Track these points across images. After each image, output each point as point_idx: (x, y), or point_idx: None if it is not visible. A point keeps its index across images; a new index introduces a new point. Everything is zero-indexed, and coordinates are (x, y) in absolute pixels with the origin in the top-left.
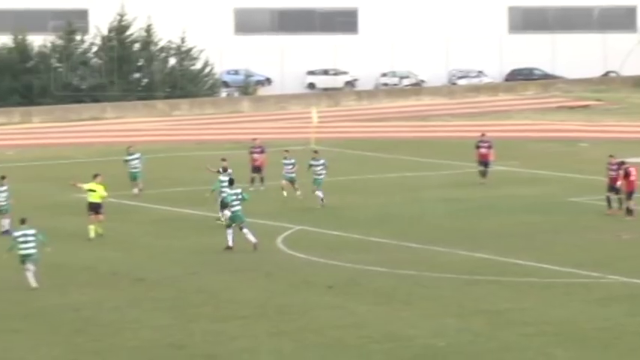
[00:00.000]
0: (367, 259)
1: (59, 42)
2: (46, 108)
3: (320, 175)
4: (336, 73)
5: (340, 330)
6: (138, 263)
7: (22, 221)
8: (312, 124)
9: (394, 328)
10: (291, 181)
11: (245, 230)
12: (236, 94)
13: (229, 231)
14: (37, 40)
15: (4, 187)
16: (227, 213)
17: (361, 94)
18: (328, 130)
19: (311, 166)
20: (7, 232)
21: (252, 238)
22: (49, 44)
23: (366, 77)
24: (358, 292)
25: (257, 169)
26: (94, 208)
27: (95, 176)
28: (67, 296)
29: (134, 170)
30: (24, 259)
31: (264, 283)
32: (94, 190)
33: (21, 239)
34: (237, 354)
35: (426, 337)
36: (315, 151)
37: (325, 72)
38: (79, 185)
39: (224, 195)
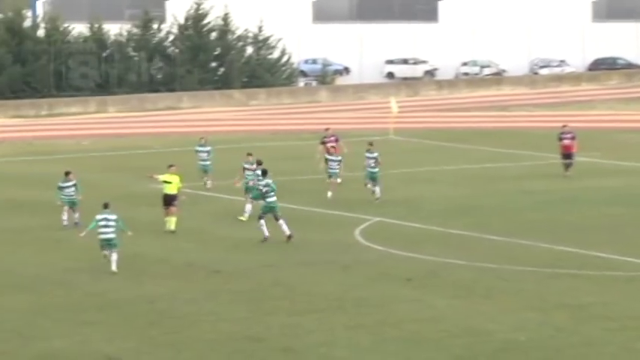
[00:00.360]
0: (446, 252)
1: (135, 31)
2: (121, 97)
3: (374, 168)
4: (416, 62)
5: (418, 324)
6: (214, 255)
7: (105, 206)
8: (391, 115)
9: (473, 322)
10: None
11: (281, 221)
12: (314, 84)
13: (262, 222)
14: (114, 29)
15: (71, 183)
16: (247, 207)
17: (441, 84)
18: (407, 121)
19: (365, 158)
20: (77, 225)
21: (286, 230)
22: (125, 33)
23: (446, 66)
24: (437, 285)
25: None
26: (170, 200)
27: (170, 167)
28: (142, 288)
29: (203, 163)
30: (103, 244)
31: (341, 276)
32: (169, 182)
33: (102, 223)
34: (314, 348)
35: (506, 332)
36: (371, 143)
37: (404, 61)
38: (155, 176)
39: (249, 183)
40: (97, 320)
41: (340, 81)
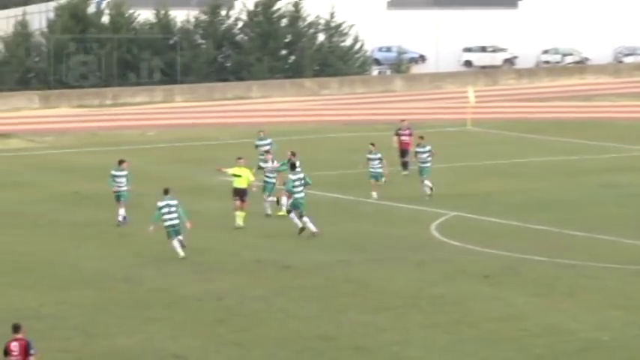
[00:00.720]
0: (525, 248)
1: (203, 17)
2: (189, 86)
3: (426, 163)
4: (495, 50)
5: (496, 322)
6: (284, 250)
7: (166, 192)
8: (469, 105)
9: (554, 321)
10: (376, 178)
11: (305, 219)
12: (388, 73)
13: (292, 215)
14: (180, 16)
15: (123, 172)
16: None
17: (521, 73)
18: (485, 111)
19: (417, 153)
20: (124, 221)
21: (312, 228)
22: (192, 20)
23: (526, 54)
24: (516, 283)
25: (405, 153)
26: (239, 194)
27: (238, 159)
28: (210, 284)
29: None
30: (169, 231)
31: (416, 272)
32: (239, 175)
33: (165, 210)
34: (387, 347)
35: (588, 331)
36: (421, 137)
37: (483, 49)
38: (224, 170)
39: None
40: (162, 317)
41: (415, 69)
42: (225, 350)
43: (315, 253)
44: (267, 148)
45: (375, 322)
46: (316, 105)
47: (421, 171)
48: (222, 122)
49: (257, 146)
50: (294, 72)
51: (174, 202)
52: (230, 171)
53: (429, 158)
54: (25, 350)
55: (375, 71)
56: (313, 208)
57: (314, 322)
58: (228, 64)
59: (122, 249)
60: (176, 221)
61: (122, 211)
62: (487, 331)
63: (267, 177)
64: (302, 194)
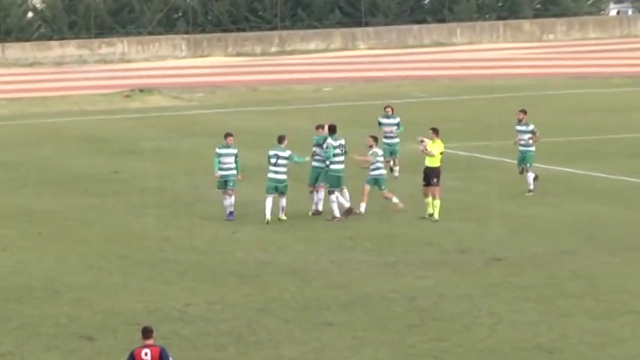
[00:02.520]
0: None
1: None
2: (375, 30)
3: (528, 147)
4: None
5: None
6: (494, 238)
7: (280, 139)
8: None
9: None
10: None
11: (333, 196)
12: (629, 12)
13: (333, 197)
14: None
15: (232, 150)
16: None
17: None
18: None
19: (518, 132)
20: (230, 215)
21: (339, 206)
22: None
23: None
24: None
25: None
26: (430, 175)
27: (434, 131)
28: (399, 280)
29: (389, 142)
30: (269, 185)
31: None
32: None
33: (272, 160)
34: None
35: None
36: (523, 111)
37: None
38: (425, 142)
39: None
40: (338, 321)
41: None
42: None
43: (534, 242)
44: (394, 128)
45: (610, 329)
46: (536, 54)
47: (521, 159)
48: (416, 75)
49: (381, 124)
50: (510, 11)
51: (286, 153)
52: (429, 146)
53: (531, 141)
54: None
55: (612, 11)
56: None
57: (531, 330)
58: (425, 2)
59: (287, 235)
60: (283, 176)
61: (229, 202)
62: None
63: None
64: (342, 165)
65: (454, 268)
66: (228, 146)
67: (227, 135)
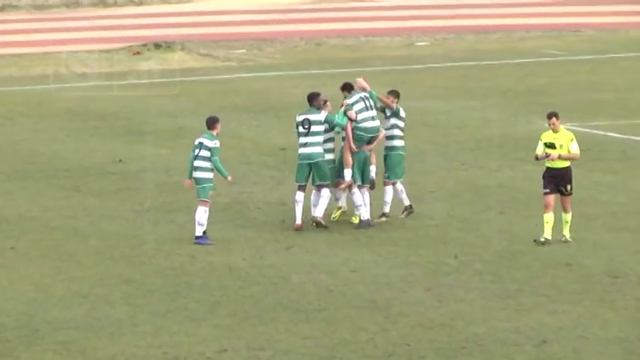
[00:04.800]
0: None
1: None
2: None
3: None
4: None
5: None
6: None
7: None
8: None
9: None
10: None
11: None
12: None
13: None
14: None
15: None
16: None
17: None
18: None
19: None
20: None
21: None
22: None
23: None
24: None
25: None
26: (558, 179)
27: (554, 116)
28: (524, 317)
29: None
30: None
31: None
32: (551, 144)
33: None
34: None
35: None
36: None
37: None
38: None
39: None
40: None
41: None
42: None
43: None
44: None
45: None
46: None
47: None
48: (547, 24)
49: None
50: None
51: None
52: (543, 139)
53: None
54: None
55: None
56: None
57: None
58: None
59: (363, 251)
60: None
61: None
62: None
63: None
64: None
65: (602, 299)
66: (213, 137)
67: (211, 121)
